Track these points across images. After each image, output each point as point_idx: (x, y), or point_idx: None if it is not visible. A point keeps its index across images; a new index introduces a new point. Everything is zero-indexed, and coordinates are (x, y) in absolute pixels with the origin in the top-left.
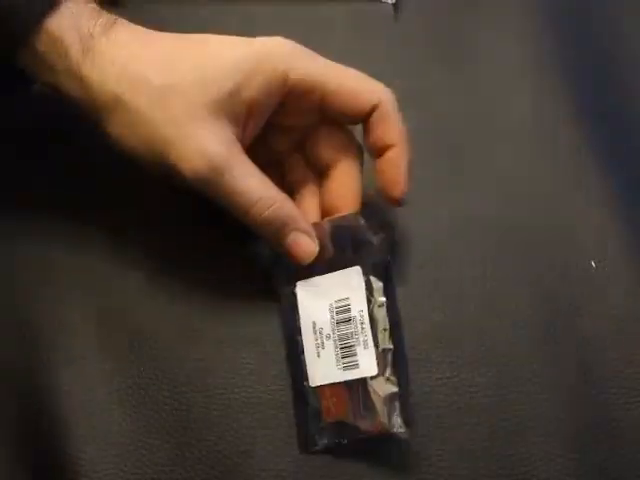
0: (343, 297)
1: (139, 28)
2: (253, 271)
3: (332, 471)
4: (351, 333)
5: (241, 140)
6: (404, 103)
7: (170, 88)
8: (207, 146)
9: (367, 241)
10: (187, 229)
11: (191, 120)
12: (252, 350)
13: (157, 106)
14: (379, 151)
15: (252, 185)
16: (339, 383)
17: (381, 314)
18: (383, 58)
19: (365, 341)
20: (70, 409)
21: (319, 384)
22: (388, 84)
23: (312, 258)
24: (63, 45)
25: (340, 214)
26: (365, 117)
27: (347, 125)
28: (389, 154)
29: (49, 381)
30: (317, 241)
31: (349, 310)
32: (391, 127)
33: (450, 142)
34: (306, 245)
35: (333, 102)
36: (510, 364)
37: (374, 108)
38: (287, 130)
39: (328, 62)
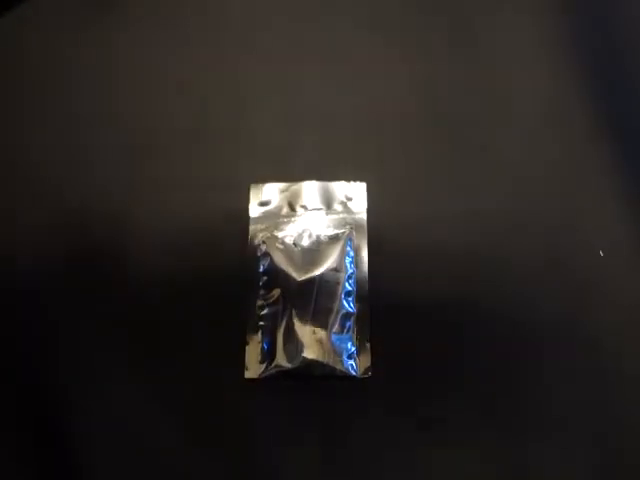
0: None
1: None
2: None
3: (335, 469)
4: None
5: None
6: (415, 90)
7: None
8: None
9: None
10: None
11: None
12: None
13: None
14: None
15: None
16: None
17: None
18: (395, 44)
19: None
20: (71, 410)
21: None
22: (400, 70)
23: None
24: None
25: None
26: None
27: None
28: None
29: (48, 380)
30: None
31: None
32: None
33: (459, 134)
34: None
35: None
36: (513, 359)
37: None
38: None
39: None
